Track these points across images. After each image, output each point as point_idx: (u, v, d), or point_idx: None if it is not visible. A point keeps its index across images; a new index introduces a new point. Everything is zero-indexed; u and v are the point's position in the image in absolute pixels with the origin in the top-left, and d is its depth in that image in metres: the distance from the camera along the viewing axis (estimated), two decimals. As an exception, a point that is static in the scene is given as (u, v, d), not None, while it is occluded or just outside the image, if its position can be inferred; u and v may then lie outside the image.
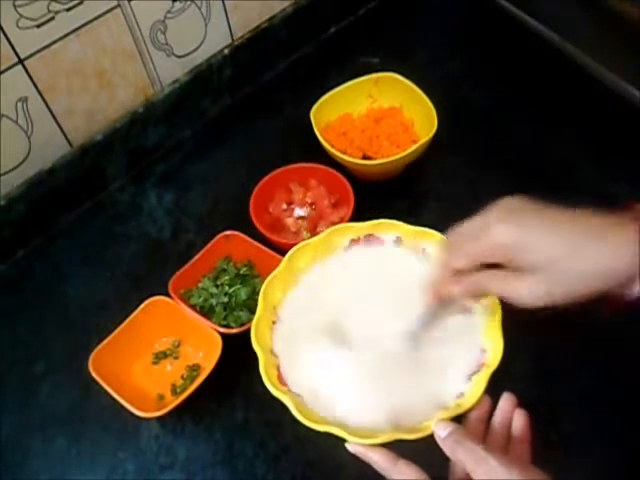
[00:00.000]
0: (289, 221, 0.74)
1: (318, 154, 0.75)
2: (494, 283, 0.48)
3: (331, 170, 0.74)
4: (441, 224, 0.62)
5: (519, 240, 0.46)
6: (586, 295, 0.46)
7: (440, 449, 0.51)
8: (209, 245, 0.68)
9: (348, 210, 0.70)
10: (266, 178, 0.73)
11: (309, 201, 0.75)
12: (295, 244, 0.62)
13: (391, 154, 0.74)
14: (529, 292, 0.46)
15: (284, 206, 0.75)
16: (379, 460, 0.48)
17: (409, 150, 0.71)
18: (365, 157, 0.77)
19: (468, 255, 0.48)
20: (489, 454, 0.42)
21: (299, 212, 0.74)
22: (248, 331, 0.57)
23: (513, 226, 0.46)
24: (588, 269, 0.45)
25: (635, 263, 0.44)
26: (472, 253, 0.48)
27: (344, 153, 0.75)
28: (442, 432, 0.46)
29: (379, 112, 0.81)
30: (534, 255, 0.46)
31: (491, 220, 0.47)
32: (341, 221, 0.68)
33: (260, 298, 0.59)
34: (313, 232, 0.71)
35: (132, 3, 0.72)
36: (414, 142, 0.76)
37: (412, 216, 0.64)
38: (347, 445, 0.48)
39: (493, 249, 0.47)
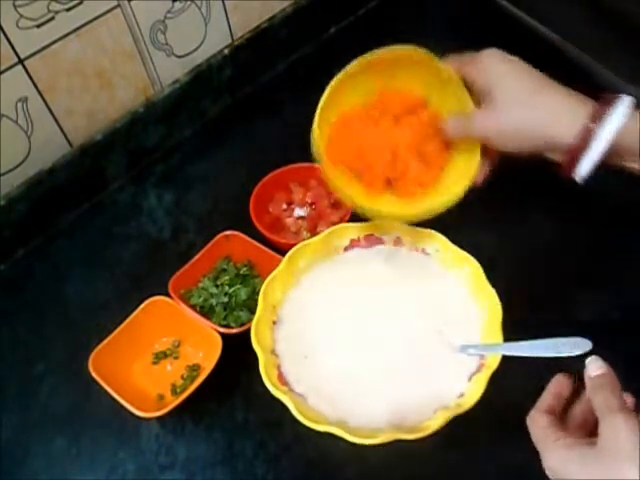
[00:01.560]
0: (289, 221, 0.73)
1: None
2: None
3: None
4: (441, 224, 0.62)
5: (497, 71, 0.56)
6: (530, 147, 0.55)
7: (440, 449, 0.51)
8: (209, 245, 0.68)
9: (348, 210, 0.69)
10: (266, 178, 0.73)
11: (309, 201, 0.74)
12: (295, 244, 0.62)
13: (423, 179, 0.61)
14: (482, 120, 0.56)
15: (284, 206, 0.74)
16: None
17: (455, 193, 0.59)
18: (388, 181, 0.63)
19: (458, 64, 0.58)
20: (623, 410, 0.41)
21: (299, 212, 0.74)
22: (248, 331, 0.57)
23: (498, 60, 0.57)
24: (536, 122, 0.54)
25: (571, 135, 0.52)
26: (460, 65, 0.58)
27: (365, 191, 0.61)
28: (593, 372, 0.44)
29: (396, 102, 0.62)
30: (491, 84, 0.55)
31: (483, 53, 0.58)
32: (341, 221, 0.68)
33: (260, 298, 0.59)
34: (313, 232, 0.70)
35: (132, 3, 0.72)
36: (447, 152, 0.61)
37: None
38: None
39: (477, 68, 0.57)
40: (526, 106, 0.54)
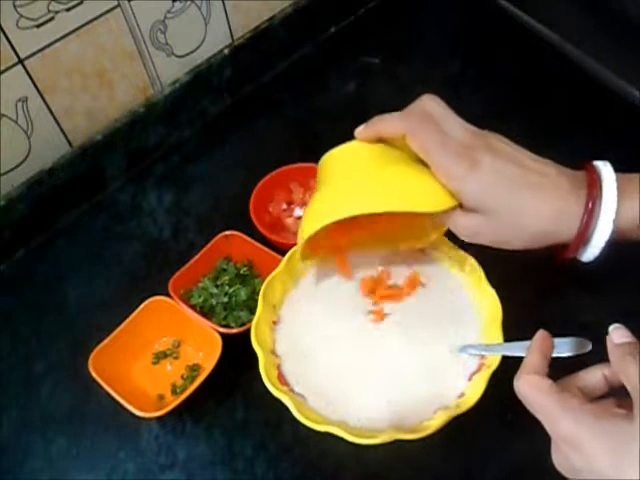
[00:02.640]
0: (289, 221, 0.73)
1: (319, 154, 0.75)
2: None
3: None
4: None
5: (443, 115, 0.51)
6: (524, 248, 0.50)
7: (440, 449, 0.51)
8: (209, 245, 0.68)
9: None
10: (266, 178, 0.73)
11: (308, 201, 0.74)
12: (295, 244, 0.62)
13: None
14: (464, 228, 0.51)
15: (284, 206, 0.74)
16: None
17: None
18: None
19: (398, 119, 0.51)
20: None
21: (299, 212, 0.74)
22: (248, 331, 0.57)
23: (442, 107, 0.51)
24: (528, 229, 0.49)
25: (573, 233, 0.48)
26: (400, 117, 0.51)
27: None
28: (618, 339, 0.41)
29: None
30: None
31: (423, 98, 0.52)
32: None
33: (260, 298, 0.59)
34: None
35: (132, 3, 0.72)
36: None
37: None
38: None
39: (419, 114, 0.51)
40: (513, 212, 0.49)
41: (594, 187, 0.48)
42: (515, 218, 0.49)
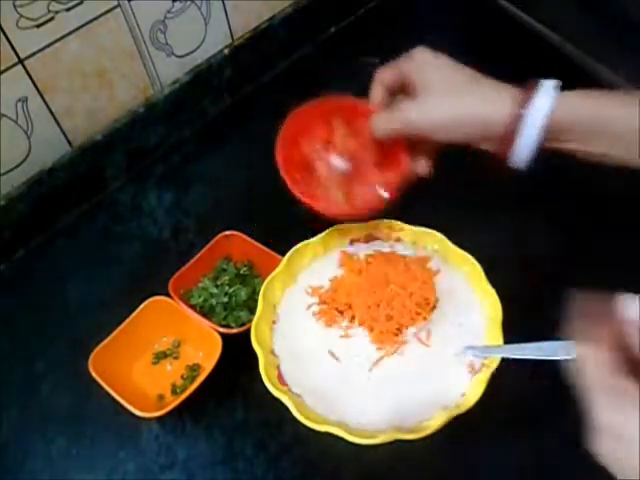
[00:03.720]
0: (321, 167, 0.58)
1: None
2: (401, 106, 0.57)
3: None
4: (441, 224, 0.62)
5: (429, 66, 0.56)
6: (465, 136, 0.55)
7: (440, 450, 0.51)
8: (209, 245, 0.68)
9: (398, 175, 0.57)
10: (307, 105, 0.60)
11: (350, 149, 0.59)
12: (324, 213, 0.58)
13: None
14: (413, 110, 0.55)
15: (317, 147, 0.59)
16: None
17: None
18: None
19: (392, 69, 0.59)
20: None
21: (336, 162, 0.58)
22: (248, 331, 0.57)
23: (430, 56, 0.57)
24: (467, 110, 0.54)
25: (507, 123, 0.52)
26: (394, 67, 0.59)
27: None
28: (635, 313, 0.35)
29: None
30: (425, 79, 0.55)
31: (415, 50, 0.58)
32: (386, 189, 0.58)
33: (260, 298, 0.59)
34: (346, 196, 0.58)
35: (132, 3, 0.72)
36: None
37: (410, 215, 0.64)
38: None
39: (410, 66, 0.57)
40: (457, 94, 0.55)
41: (532, 85, 0.52)
42: (453, 93, 0.55)
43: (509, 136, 0.52)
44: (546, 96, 0.51)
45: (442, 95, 0.55)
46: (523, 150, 0.53)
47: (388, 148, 0.59)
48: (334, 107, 0.61)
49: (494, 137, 0.54)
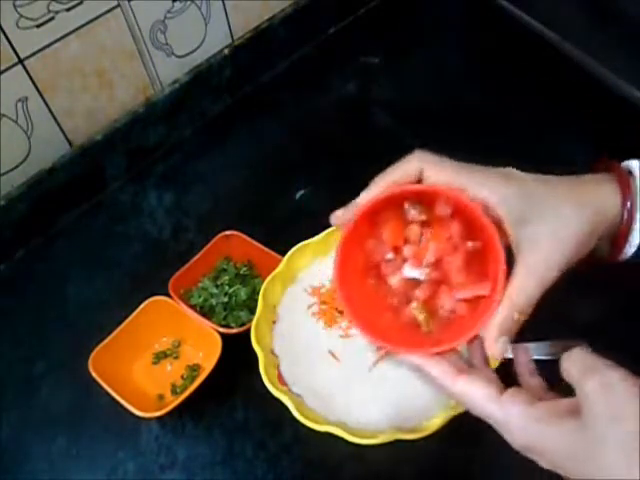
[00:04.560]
0: (394, 284, 0.44)
1: (319, 154, 0.75)
2: None
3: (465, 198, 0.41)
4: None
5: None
6: (574, 262, 0.44)
7: (440, 450, 0.51)
8: (209, 245, 0.68)
9: (495, 286, 0.41)
10: (375, 201, 0.42)
11: (432, 256, 0.43)
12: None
13: None
14: (520, 292, 0.42)
15: (389, 255, 0.44)
16: (438, 375, 0.40)
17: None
18: None
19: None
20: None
21: (410, 272, 0.44)
22: (248, 331, 0.57)
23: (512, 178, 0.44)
24: (571, 239, 0.42)
25: (616, 223, 0.44)
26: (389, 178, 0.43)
27: None
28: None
29: None
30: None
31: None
32: (482, 306, 0.42)
33: (260, 298, 0.59)
34: (429, 311, 0.44)
35: (132, 3, 0.72)
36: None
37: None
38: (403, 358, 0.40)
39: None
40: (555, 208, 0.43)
41: (624, 181, 0.44)
42: (557, 220, 0.43)
43: (622, 236, 0.45)
44: None
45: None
46: (632, 247, 0.45)
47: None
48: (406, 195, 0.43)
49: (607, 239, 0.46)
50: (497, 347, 0.41)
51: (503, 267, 0.41)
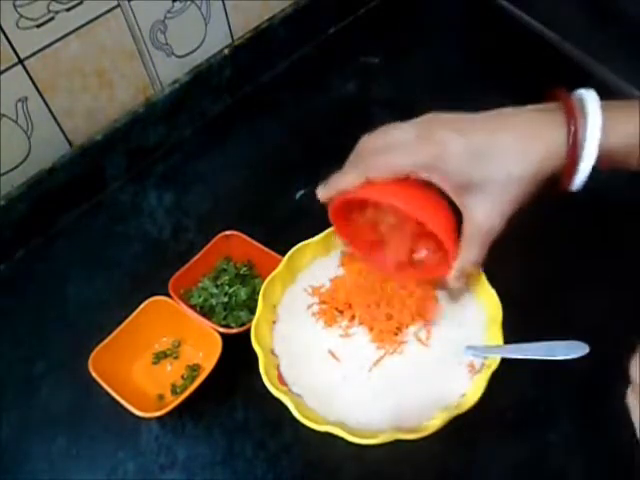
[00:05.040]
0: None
1: (319, 154, 0.75)
2: None
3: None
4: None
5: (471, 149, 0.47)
6: (529, 198, 0.49)
7: (440, 450, 0.51)
8: (209, 245, 0.68)
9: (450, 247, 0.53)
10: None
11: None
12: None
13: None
14: (486, 218, 0.49)
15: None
16: None
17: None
18: None
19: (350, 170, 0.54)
20: None
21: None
22: (248, 331, 0.57)
23: (457, 134, 0.48)
24: (527, 174, 0.47)
25: (559, 163, 0.47)
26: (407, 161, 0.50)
27: None
28: None
29: None
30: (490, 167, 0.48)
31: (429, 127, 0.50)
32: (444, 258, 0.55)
33: (260, 298, 0.59)
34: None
35: (132, 3, 0.72)
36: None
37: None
38: None
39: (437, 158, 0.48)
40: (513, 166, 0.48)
41: (572, 110, 0.47)
42: (501, 179, 0.48)
43: (568, 169, 0.48)
44: (595, 117, 0.46)
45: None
46: (580, 179, 0.49)
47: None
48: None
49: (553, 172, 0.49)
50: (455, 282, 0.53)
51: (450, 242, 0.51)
